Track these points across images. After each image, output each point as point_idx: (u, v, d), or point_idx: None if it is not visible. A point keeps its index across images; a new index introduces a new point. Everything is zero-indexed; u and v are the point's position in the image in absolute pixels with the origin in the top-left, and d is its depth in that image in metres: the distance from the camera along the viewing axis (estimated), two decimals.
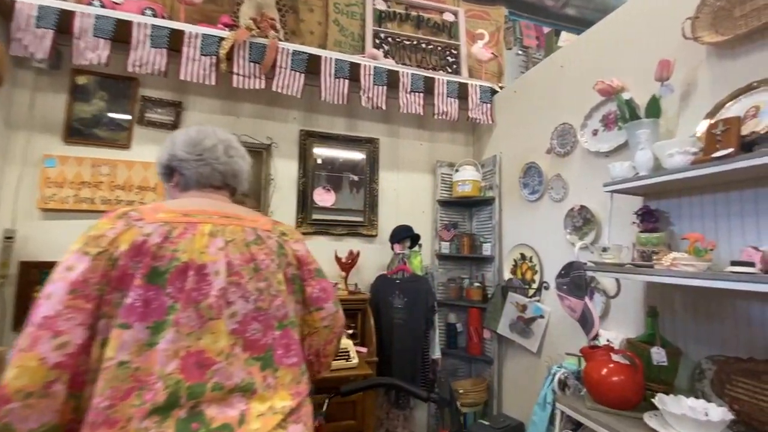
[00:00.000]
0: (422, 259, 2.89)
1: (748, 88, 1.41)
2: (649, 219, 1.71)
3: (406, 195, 3.27)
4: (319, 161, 3.00)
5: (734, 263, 1.14)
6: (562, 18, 3.98)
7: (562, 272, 1.70)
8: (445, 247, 3.19)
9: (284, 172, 2.92)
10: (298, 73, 2.62)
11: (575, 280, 1.59)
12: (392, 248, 2.86)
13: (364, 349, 2.49)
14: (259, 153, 2.83)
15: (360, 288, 2.89)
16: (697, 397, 1.49)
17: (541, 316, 2.48)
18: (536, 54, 3.76)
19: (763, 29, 1.41)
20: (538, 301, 2.53)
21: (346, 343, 2.27)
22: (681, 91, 1.72)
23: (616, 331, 1.93)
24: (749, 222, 1.39)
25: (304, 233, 2.87)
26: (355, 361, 2.21)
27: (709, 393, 1.46)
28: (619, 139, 1.99)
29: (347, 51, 3.03)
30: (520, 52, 3.79)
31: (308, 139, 2.97)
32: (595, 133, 2.16)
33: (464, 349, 3.03)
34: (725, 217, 1.47)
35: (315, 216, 2.94)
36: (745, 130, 1.32)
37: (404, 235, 2.87)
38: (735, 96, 1.45)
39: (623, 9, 2.10)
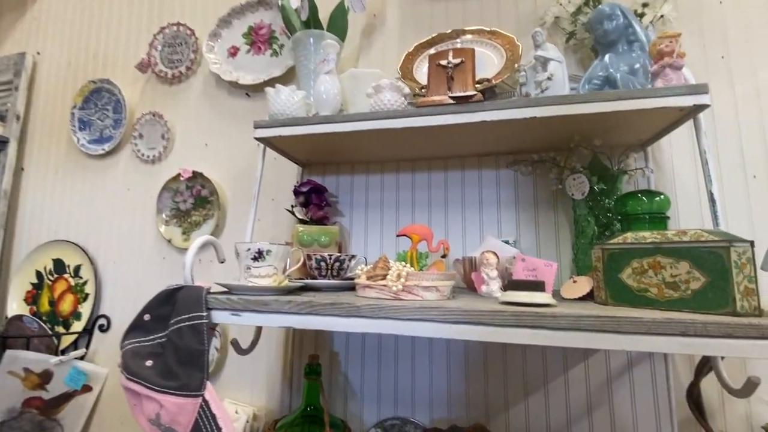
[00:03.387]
0: None
1: (455, 34, 1.03)
2: (317, 201, 1.00)
3: None
4: None
5: (511, 285, 0.58)
6: None
7: (147, 318, 0.64)
8: None
9: None
10: None
11: (179, 340, 0.58)
12: None
13: None
14: None
15: None
16: None
17: (88, 387, 1.21)
18: None
19: None
20: (83, 357, 1.24)
21: None
22: (364, 24, 1.18)
23: (239, 400, 1.07)
24: (472, 216, 0.98)
25: None
26: None
27: None
28: (272, 70, 1.19)
29: None
30: None
31: None
32: (234, 52, 1.26)
33: None
34: (435, 207, 1.00)
35: None
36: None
37: None
38: (439, 41, 1.04)
39: None
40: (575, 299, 0.66)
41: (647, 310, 0.53)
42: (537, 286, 0.57)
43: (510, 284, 0.59)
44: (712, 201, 0.67)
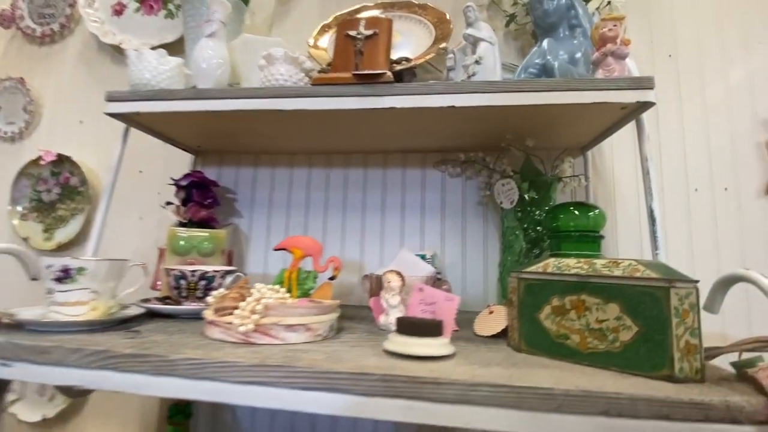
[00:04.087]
0: None
1: (381, 7, 0.87)
2: (198, 199, 0.81)
3: None
4: None
5: (403, 326, 0.44)
6: None
7: None
8: None
9: None
10: None
11: None
12: None
13: None
14: None
15: None
16: None
17: None
18: None
19: None
20: None
21: None
22: None
23: None
24: (392, 222, 0.83)
25: None
26: None
27: None
28: (165, 34, 0.97)
29: None
30: None
31: None
32: (119, 9, 1.03)
33: None
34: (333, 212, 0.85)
35: None
36: None
37: None
38: (364, 11, 0.88)
39: None
40: (489, 336, 0.53)
41: (567, 364, 0.41)
42: (433, 329, 0.43)
43: (401, 325, 0.45)
44: (651, 219, 0.56)
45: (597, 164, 0.81)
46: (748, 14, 0.80)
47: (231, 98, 0.63)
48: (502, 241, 0.75)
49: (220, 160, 0.91)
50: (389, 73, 0.61)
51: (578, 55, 0.68)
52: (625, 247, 0.78)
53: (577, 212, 0.59)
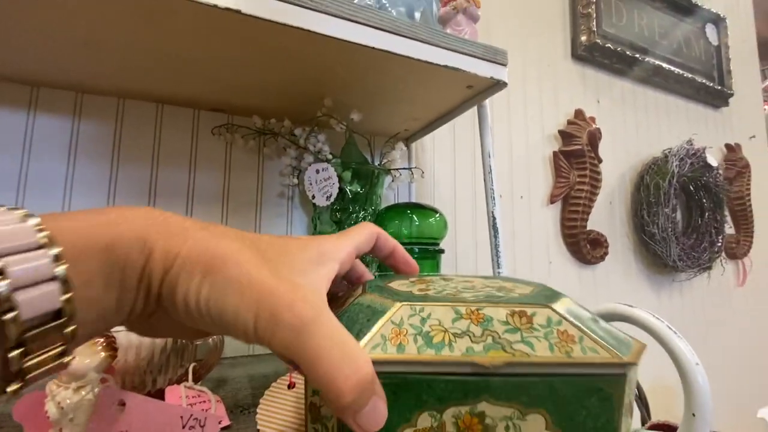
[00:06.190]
0: None
1: None
2: None
3: None
4: None
5: None
6: None
7: None
8: None
9: None
10: None
11: None
12: None
13: None
14: None
15: None
16: None
17: None
18: None
19: None
20: None
21: None
22: None
23: None
24: None
25: None
26: None
27: None
28: None
29: None
30: None
31: None
32: None
33: None
34: None
35: None
36: None
37: None
38: None
39: None
40: None
41: None
42: None
43: None
44: (494, 229, 0.43)
45: (420, 161, 0.67)
46: (544, 36, 0.83)
47: None
48: None
49: None
50: None
51: (417, 14, 0.51)
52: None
53: (414, 217, 0.40)
